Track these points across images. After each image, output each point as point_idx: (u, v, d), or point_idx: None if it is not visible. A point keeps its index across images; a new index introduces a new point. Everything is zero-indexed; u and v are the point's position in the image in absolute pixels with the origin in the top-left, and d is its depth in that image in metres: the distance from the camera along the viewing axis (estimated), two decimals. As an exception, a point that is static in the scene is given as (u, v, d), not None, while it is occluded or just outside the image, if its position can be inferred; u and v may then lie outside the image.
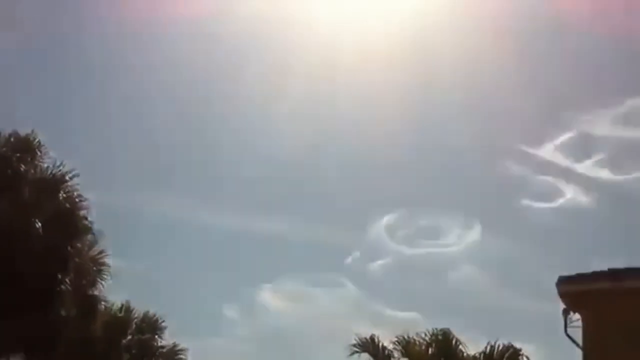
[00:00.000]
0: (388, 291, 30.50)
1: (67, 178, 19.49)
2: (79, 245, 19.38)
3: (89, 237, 19.61)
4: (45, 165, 19.57)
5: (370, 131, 29.57)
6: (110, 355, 20.35)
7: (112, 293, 20.49)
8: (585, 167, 30.49)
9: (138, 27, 26.91)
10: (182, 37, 28.42)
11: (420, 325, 20.79)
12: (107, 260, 19.84)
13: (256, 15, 27.18)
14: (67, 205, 19.36)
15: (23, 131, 19.48)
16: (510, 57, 27.88)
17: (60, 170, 19.50)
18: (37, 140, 19.51)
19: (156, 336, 21.45)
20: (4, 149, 19.31)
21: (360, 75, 28.64)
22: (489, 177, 31.10)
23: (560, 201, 31.02)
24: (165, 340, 21.54)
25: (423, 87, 29.07)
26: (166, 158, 31.50)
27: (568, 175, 30.46)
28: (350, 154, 30.85)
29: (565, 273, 14.83)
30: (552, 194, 31.33)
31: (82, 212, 19.46)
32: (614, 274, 14.44)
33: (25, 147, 19.44)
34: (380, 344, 20.07)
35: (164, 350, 21.49)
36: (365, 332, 20.29)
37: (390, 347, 20.09)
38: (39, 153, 19.55)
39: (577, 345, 14.82)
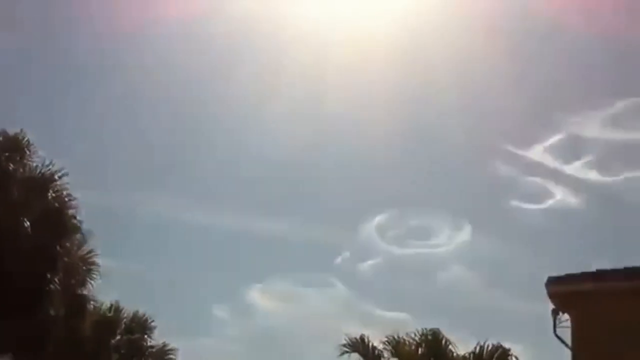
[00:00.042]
0: (378, 291, 30.57)
1: (56, 177, 19.42)
2: (68, 244, 19.31)
3: (78, 236, 19.55)
4: (34, 164, 19.52)
5: (362, 132, 29.65)
6: (100, 355, 20.26)
7: (102, 293, 20.46)
8: (574, 169, 30.67)
9: (129, 27, 26.84)
10: (175, 37, 28.40)
11: (410, 325, 20.85)
12: (97, 259, 19.81)
13: (248, 15, 27.19)
14: (56, 204, 19.29)
15: (12, 130, 19.45)
16: (501, 58, 27.99)
17: (49, 170, 19.44)
18: (25, 139, 19.44)
19: (146, 336, 21.36)
20: (-7, 148, 19.26)
21: (351, 76, 28.69)
22: (479, 178, 31.23)
23: (550, 202, 31.19)
24: (155, 340, 21.48)
25: (414, 88, 29.17)
26: (158, 158, 31.53)
27: (557, 176, 30.62)
28: (341, 154, 30.94)
29: (555, 274, 14.88)
30: (541, 195, 31.47)
31: (71, 211, 19.40)
32: (602, 275, 14.49)
33: (14, 146, 19.35)
34: (370, 344, 20.09)
35: (154, 350, 21.41)
36: (355, 332, 20.35)
37: (380, 347, 20.12)
38: (27, 152, 19.47)
39: (566, 345, 14.87)
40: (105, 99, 29.59)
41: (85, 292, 19.65)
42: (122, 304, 21.29)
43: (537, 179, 31.37)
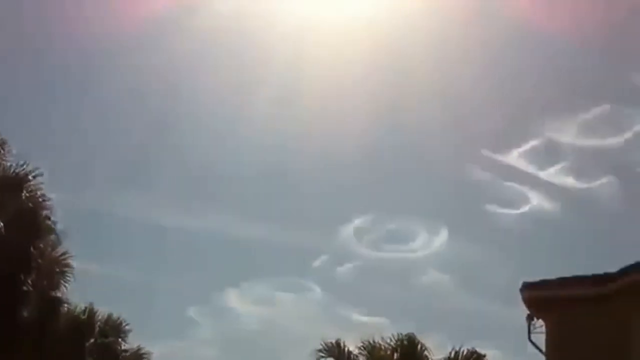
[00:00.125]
0: (356, 295, 30.50)
1: (30, 177, 19.24)
2: (42, 245, 19.11)
3: (52, 237, 19.34)
4: (8, 164, 19.33)
5: (339, 135, 29.60)
6: (73, 358, 20.04)
7: (76, 295, 20.24)
8: (550, 174, 30.79)
9: (109, 25, 26.61)
10: (156, 34, 28.10)
11: (387, 329, 20.79)
12: (71, 261, 19.59)
13: (232, 10, 27.08)
14: (30, 204, 19.09)
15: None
16: (478, 63, 28.11)
17: (23, 169, 19.26)
18: (-1, 138, 19.26)
19: (120, 339, 21.14)
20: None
21: (329, 79, 28.65)
22: (456, 183, 31.24)
23: (526, 207, 31.28)
24: (129, 343, 21.25)
25: (392, 93, 29.17)
26: (135, 159, 31.23)
27: (533, 181, 30.73)
28: (319, 157, 30.85)
29: (530, 279, 14.93)
30: (517, 200, 31.59)
31: (46, 212, 19.21)
32: (576, 281, 14.56)
33: (-13, 146, 19.17)
34: (346, 349, 20.09)
35: (128, 354, 21.17)
36: (333, 337, 20.33)
37: (356, 352, 20.11)
38: (1, 151, 19.28)
39: (540, 351, 14.92)
40: (79, 99, 29.37)
41: (59, 294, 19.44)
42: (96, 307, 21.07)
43: (514, 184, 31.51)
